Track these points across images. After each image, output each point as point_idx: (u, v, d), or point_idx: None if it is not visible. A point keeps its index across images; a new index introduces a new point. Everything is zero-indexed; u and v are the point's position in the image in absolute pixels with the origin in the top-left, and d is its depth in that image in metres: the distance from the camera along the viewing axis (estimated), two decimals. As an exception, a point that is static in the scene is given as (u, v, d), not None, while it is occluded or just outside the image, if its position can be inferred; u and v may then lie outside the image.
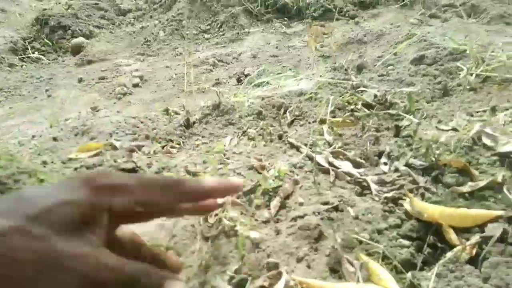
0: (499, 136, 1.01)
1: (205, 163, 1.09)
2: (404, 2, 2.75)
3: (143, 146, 1.25)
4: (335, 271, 0.77)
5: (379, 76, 1.44)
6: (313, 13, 2.77)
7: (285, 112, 1.34)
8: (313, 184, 0.98)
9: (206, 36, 2.72)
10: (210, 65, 2.41)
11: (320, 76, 1.51)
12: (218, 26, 2.75)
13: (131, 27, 3.14)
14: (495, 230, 0.80)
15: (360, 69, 1.52)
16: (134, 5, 3.57)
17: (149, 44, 2.73)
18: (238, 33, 2.70)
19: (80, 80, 2.34)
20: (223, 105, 1.39)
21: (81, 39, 2.77)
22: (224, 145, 1.21)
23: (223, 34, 2.71)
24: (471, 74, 1.28)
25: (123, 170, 1.05)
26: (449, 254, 0.77)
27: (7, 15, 3.43)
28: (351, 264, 0.77)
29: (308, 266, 0.77)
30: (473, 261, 0.77)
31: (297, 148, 1.15)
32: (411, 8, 2.74)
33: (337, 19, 2.79)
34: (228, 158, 1.11)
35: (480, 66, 1.29)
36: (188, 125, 1.38)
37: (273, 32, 2.72)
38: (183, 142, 1.30)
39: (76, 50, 2.68)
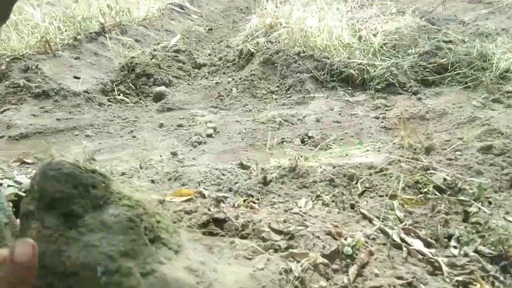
0: None
1: (285, 222, 1.22)
2: (467, 85, 2.86)
3: (227, 197, 1.41)
4: None
5: (447, 160, 1.54)
6: (376, 86, 2.95)
7: (356, 183, 1.46)
8: (387, 257, 1.08)
9: (274, 96, 2.96)
10: (276, 123, 2.62)
11: (390, 153, 1.63)
12: (286, 88, 2.99)
13: (205, 80, 3.47)
14: None
15: (428, 151, 1.63)
16: (209, 60, 3.96)
17: (222, 98, 3.01)
18: (304, 97, 2.92)
19: (161, 125, 2.62)
20: (299, 168, 1.54)
21: (163, 88, 3.11)
22: (300, 207, 1.34)
23: (290, 97, 2.94)
24: (540, 170, 1.35)
25: (216, 219, 1.21)
26: None
27: (98, 59, 3.92)
28: None
29: (386, 335, 0.86)
30: None
31: (370, 220, 1.26)
32: (474, 91, 2.85)
33: (399, 93, 2.95)
34: (305, 220, 1.24)
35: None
36: (265, 182, 1.54)
37: (337, 99, 2.92)
38: (261, 198, 1.45)
39: (158, 97, 3.01)
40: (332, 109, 2.80)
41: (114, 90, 3.37)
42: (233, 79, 3.21)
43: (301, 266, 1.01)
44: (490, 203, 1.31)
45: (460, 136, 1.97)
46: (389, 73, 2.95)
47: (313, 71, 3.06)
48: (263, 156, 2.15)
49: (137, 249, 0.93)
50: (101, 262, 0.89)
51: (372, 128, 2.51)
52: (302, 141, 2.42)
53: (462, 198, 1.30)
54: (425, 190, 1.35)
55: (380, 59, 3.24)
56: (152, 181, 1.53)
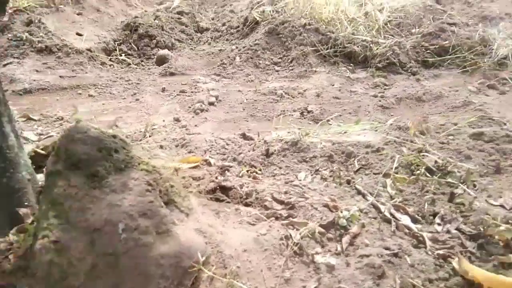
0: (542, 221, 1.18)
1: (286, 193, 1.32)
2: (466, 69, 2.93)
3: (232, 166, 1.50)
4: (393, 305, 0.97)
5: (440, 143, 1.64)
6: (378, 64, 2.99)
7: (353, 160, 1.56)
8: (377, 230, 1.19)
9: (276, 68, 2.99)
10: (277, 96, 2.67)
11: (387, 133, 1.72)
12: (289, 61, 3.02)
13: (208, 46, 3.47)
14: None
15: (423, 133, 1.72)
16: (212, 25, 3.93)
17: (224, 66, 3.03)
18: (306, 71, 2.96)
19: (163, 90, 2.66)
20: (301, 143, 1.63)
21: (166, 51, 3.11)
22: (300, 180, 1.44)
23: (292, 69, 2.97)
24: (524, 159, 1.45)
25: (223, 187, 1.30)
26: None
27: (101, 15, 3.86)
28: (406, 302, 0.97)
29: (371, 297, 0.98)
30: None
31: (363, 195, 1.36)
32: (472, 75, 2.91)
33: (399, 73, 3.00)
34: (305, 193, 1.34)
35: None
36: (267, 154, 1.63)
37: (338, 75, 2.96)
38: (263, 169, 1.54)
39: (161, 60, 3.02)
40: (333, 85, 2.85)
41: (116, 50, 3.36)
42: (237, 47, 3.21)
43: (300, 233, 1.12)
44: (475, 186, 1.42)
45: (454, 120, 2.06)
46: (391, 52, 2.99)
47: (317, 44, 3.08)
48: (263, 128, 2.22)
49: (154, 210, 1.02)
50: (122, 220, 0.98)
51: (370, 106, 2.58)
52: (302, 115, 2.49)
53: (450, 180, 1.40)
54: (417, 171, 1.45)
55: (384, 36, 3.27)
56: (161, 147, 1.60)
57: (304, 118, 2.45)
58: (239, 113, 2.46)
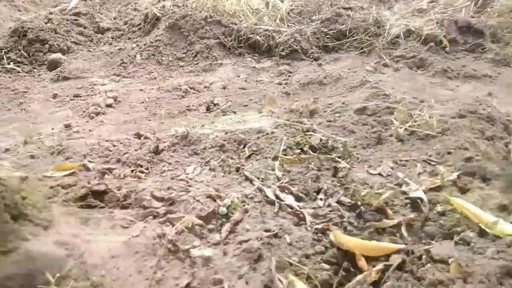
0: (412, 183, 1.25)
1: (169, 189, 1.25)
2: (363, 50, 3.07)
3: (114, 169, 1.40)
4: None
5: (327, 121, 1.68)
6: (281, 52, 3.03)
7: (244, 147, 1.53)
8: (260, 213, 1.17)
9: (180, 63, 2.91)
10: (182, 91, 2.59)
11: (278, 117, 1.72)
12: (193, 55, 2.95)
13: (108, 46, 3.27)
14: (396, 260, 1.02)
15: (312, 113, 1.75)
16: (113, 24, 3.72)
17: (125, 66, 2.88)
18: (211, 64, 2.90)
19: (55, 96, 2.44)
20: (191, 136, 1.57)
21: (58, 55, 2.87)
22: (187, 174, 1.38)
23: (197, 63, 2.91)
24: (401, 128, 1.53)
25: (96, 191, 1.20)
26: (358, 277, 0.98)
27: (-16, 22, 3.48)
28: (281, 282, 0.95)
29: (246, 283, 0.95)
30: (376, 284, 0.98)
31: (251, 181, 1.34)
32: (368, 56, 3.07)
33: (302, 60, 3.07)
34: (190, 186, 1.29)
35: (409, 121, 1.55)
36: (157, 151, 1.55)
37: (244, 66, 2.95)
38: (151, 168, 1.46)
39: (53, 65, 2.79)
40: (239, 76, 2.83)
41: (3, 59, 3.04)
42: (138, 45, 3.07)
43: (175, 229, 1.06)
44: (358, 158, 1.47)
45: (349, 99, 2.13)
46: (293, 40, 3.05)
47: (220, 37, 3.04)
48: (166, 126, 2.13)
49: (-4, 227, 0.90)
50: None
51: (275, 94, 2.61)
52: (208, 109, 2.43)
53: (334, 155, 1.44)
54: (304, 150, 1.46)
55: (287, 25, 3.32)
56: (32, 157, 1.45)
57: (211, 111, 2.40)
58: (140, 112, 2.34)
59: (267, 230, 1.11)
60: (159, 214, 1.14)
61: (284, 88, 2.69)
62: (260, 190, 1.28)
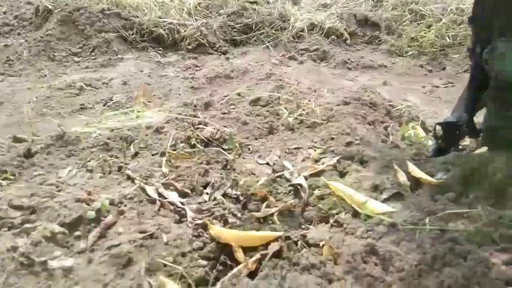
0: (294, 170, 1.26)
1: (32, 196, 1.11)
2: (270, 43, 3.11)
3: (-30, 178, 1.21)
4: (136, 293, 0.88)
5: (221, 114, 1.64)
6: (188, 46, 2.95)
7: (130, 145, 1.43)
8: (137, 214, 1.09)
9: (76, 59, 2.68)
10: (77, 89, 2.39)
11: (170, 111, 1.65)
12: (90, 50, 2.74)
13: (-7, 42, 2.92)
14: (273, 248, 1.01)
15: (207, 106, 1.70)
16: (2, 19, 3.33)
17: (11, 63, 2.58)
18: (110, 59, 2.72)
19: None
20: (68, 136, 1.43)
21: None
22: (60, 177, 1.25)
23: (94, 59, 2.71)
24: (290, 117, 1.55)
25: None
26: (234, 270, 0.95)
27: None
28: (151, 285, 0.89)
29: (111, 291, 0.87)
30: (253, 274, 0.95)
31: (133, 180, 1.25)
32: (275, 49, 3.11)
33: (210, 53, 3.02)
34: (60, 191, 1.16)
35: (298, 111, 1.58)
36: (29, 155, 1.38)
37: (148, 61, 2.82)
38: (19, 173, 1.30)
39: None
40: (142, 71, 2.70)
41: None
42: (26, 41, 2.77)
43: (31, 240, 0.94)
44: (249, 149, 1.45)
45: (257, 91, 2.12)
46: (199, 33, 2.98)
47: (120, 30, 2.87)
48: (55, 126, 1.94)
49: None
50: None
51: (181, 88, 2.52)
52: (105, 106, 2.27)
53: (224, 148, 1.40)
54: (194, 144, 1.40)
55: (195, 19, 3.24)
56: None
57: (109, 109, 2.23)
58: (26, 114, 2.10)
59: (142, 232, 1.03)
60: (14, 224, 1.00)
61: (190, 82, 2.61)
62: (142, 189, 1.20)
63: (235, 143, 1.43)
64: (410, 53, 3.01)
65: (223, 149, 1.39)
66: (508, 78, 0.99)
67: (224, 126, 1.52)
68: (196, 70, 2.78)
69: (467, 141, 1.49)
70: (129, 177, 1.27)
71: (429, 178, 1.15)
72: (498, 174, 1.01)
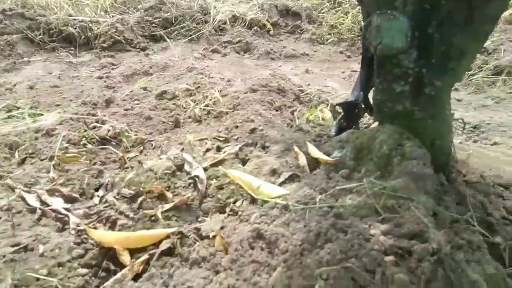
0: (194, 162, 1.20)
1: None
2: (192, 37, 3.03)
3: None
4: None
5: (124, 110, 1.54)
6: (103, 44, 2.78)
7: (14, 151, 1.30)
8: (12, 226, 0.98)
9: (-28, 65, 2.43)
10: (-29, 98, 2.16)
11: (64, 111, 1.52)
12: (-10, 54, 2.49)
13: None
14: (164, 246, 0.95)
15: (108, 103, 1.59)
16: None
17: None
18: (15, 62, 2.50)
19: None
20: None
21: None
22: None
23: (-5, 63, 2.46)
24: (196, 108, 1.49)
25: None
26: (117, 275, 0.87)
27: None
28: (16, 303, 0.79)
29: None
30: (141, 277, 0.89)
31: (13, 189, 1.13)
32: (198, 43, 3.04)
33: (128, 51, 2.88)
34: None
35: (204, 101, 1.52)
36: None
37: (58, 62, 2.62)
38: None
39: None
40: (51, 73, 2.50)
41: None
42: None
43: None
44: (152, 145, 1.37)
45: (175, 85, 2.03)
46: (114, 30, 2.82)
47: (25, 31, 2.64)
48: None
49: None
50: None
51: (95, 89, 2.36)
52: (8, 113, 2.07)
53: (123, 146, 1.31)
54: (88, 145, 1.30)
55: (112, 16, 3.07)
56: None
57: (11, 117, 2.04)
58: None
59: (15, 245, 0.92)
60: None
61: (105, 81, 2.47)
62: (22, 198, 1.08)
63: (136, 139, 1.35)
64: (330, 40, 3.07)
65: (121, 147, 1.30)
66: (384, 51, 1.00)
67: (125, 123, 1.42)
68: (112, 69, 2.63)
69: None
70: (10, 187, 1.14)
71: (325, 158, 1.15)
72: (384, 146, 1.03)
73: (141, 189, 1.12)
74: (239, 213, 1.01)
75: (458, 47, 0.99)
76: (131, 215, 1.06)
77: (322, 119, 1.53)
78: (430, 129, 1.08)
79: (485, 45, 2.35)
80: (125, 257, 0.91)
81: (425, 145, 1.07)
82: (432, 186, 0.97)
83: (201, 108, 1.49)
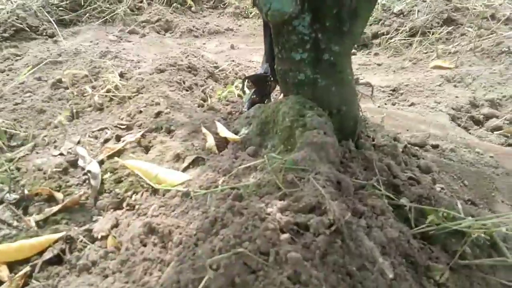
0: (87, 156, 1.08)
1: None
2: (106, 19, 2.79)
3: None
4: None
5: (13, 105, 1.37)
6: (3, 34, 2.48)
7: None
8: None
9: None
10: None
11: None
12: None
13: None
14: (48, 254, 0.84)
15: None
16: None
17: None
18: None
19: None
20: None
21: None
22: None
23: None
24: (95, 95, 1.35)
25: None
26: (-7, 295, 0.76)
27: None
28: None
29: None
30: (22, 292, 0.78)
31: None
32: (113, 25, 2.81)
33: (34, 39, 2.60)
34: None
35: (105, 87, 1.39)
36: None
37: None
38: None
39: None
40: None
41: None
42: None
43: None
44: (45, 141, 1.22)
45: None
46: (15, 17, 2.53)
47: None
48: None
49: None
50: None
51: (-6, 84, 2.11)
52: None
53: (12, 144, 1.16)
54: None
55: (12, 1, 2.75)
56: None
57: None
58: None
59: None
60: None
61: (8, 75, 2.21)
62: None
63: (26, 137, 1.19)
64: (254, 13, 2.98)
65: (9, 147, 1.14)
66: (274, 17, 0.94)
67: (15, 119, 1.26)
68: (16, 60, 2.36)
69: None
70: None
71: (233, 136, 1.09)
72: (286, 118, 0.98)
73: (27, 192, 0.99)
74: (136, 207, 0.92)
75: (350, 8, 0.94)
76: (14, 223, 0.93)
77: (238, 96, 1.46)
78: (335, 96, 1.04)
79: (400, 7, 2.39)
80: (3, 272, 0.80)
81: (332, 113, 1.04)
82: (335, 155, 0.94)
83: (101, 95, 1.36)
